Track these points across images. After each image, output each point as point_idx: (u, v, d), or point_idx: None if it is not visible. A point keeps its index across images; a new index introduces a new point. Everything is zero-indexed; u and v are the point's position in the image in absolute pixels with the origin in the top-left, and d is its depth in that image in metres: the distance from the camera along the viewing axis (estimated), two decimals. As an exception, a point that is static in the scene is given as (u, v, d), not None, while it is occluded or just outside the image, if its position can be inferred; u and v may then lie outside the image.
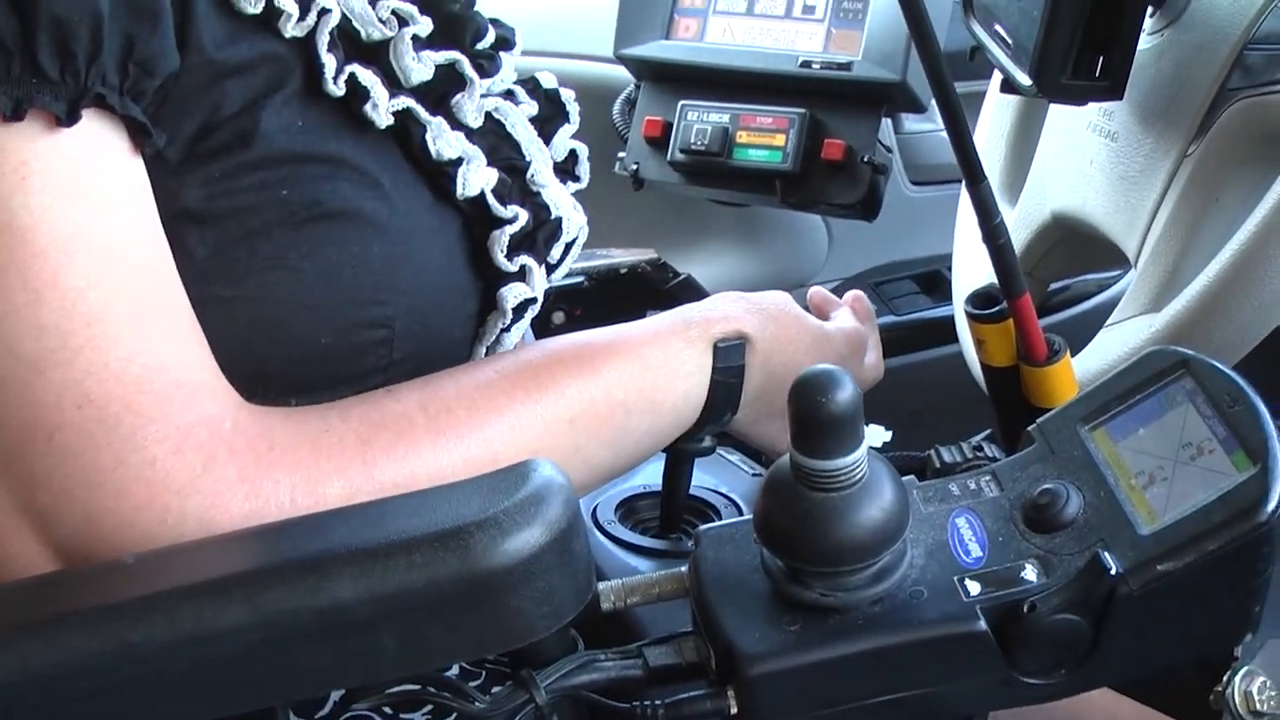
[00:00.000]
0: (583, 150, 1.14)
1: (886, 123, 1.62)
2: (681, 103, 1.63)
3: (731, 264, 2.24)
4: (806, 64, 1.58)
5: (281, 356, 0.91)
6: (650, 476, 1.20)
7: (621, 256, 1.55)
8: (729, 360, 1.06)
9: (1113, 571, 0.77)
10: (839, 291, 1.40)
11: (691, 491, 1.21)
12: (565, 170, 1.13)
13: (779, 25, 1.63)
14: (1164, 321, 1.22)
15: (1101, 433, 0.86)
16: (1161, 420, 0.84)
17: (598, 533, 1.17)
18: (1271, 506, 0.77)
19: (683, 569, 0.85)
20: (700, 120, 1.61)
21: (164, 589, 0.74)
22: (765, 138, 1.58)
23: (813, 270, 2.27)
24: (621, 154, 1.69)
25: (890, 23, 1.52)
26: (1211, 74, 1.26)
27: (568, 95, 1.14)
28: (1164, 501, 0.80)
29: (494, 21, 1.13)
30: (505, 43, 1.12)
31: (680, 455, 1.13)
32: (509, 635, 0.77)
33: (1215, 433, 0.81)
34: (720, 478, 1.25)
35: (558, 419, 0.97)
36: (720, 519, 1.19)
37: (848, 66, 1.56)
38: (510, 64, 1.11)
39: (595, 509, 1.20)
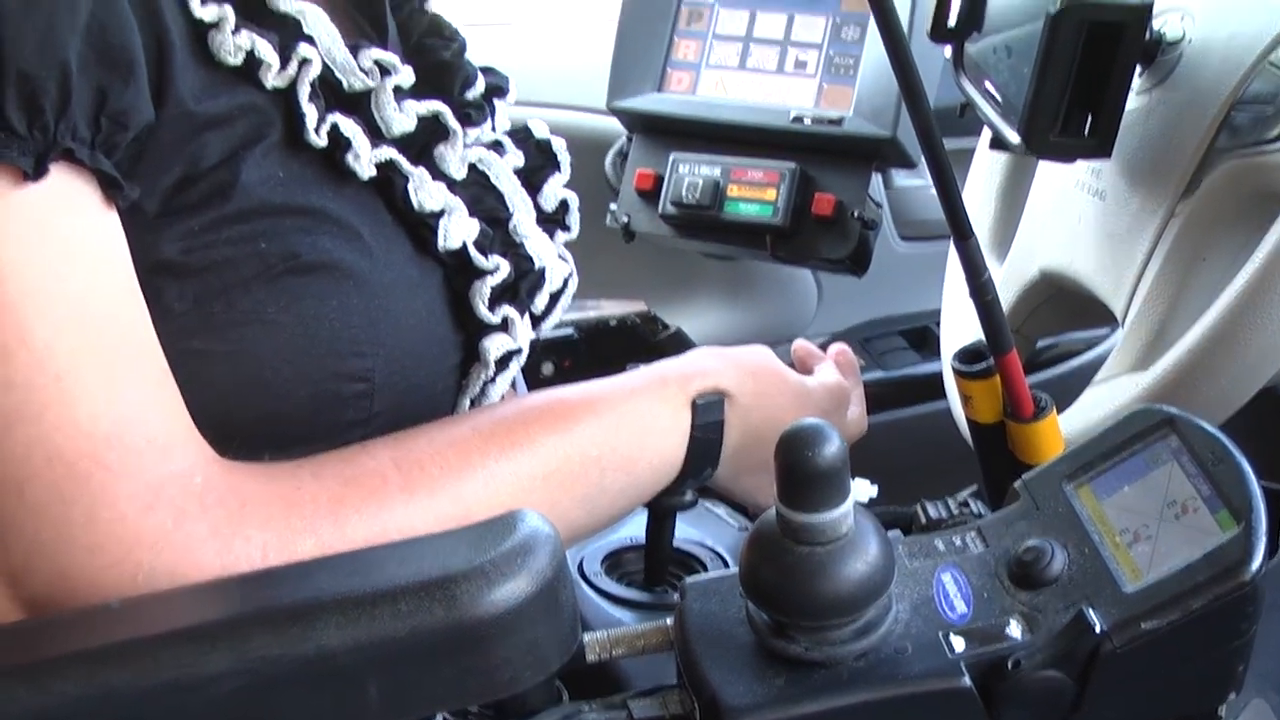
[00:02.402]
0: (573, 200, 1.14)
1: (877, 178, 1.63)
2: (673, 155, 1.64)
3: (721, 317, 2.24)
4: (798, 119, 1.59)
5: (260, 410, 0.91)
6: (637, 529, 1.20)
7: (611, 309, 1.56)
8: (708, 416, 1.06)
9: (1097, 629, 0.77)
10: (828, 346, 1.40)
11: (677, 544, 1.21)
12: (555, 220, 1.13)
13: (771, 80, 1.64)
14: (1150, 380, 1.22)
15: (1086, 490, 0.86)
16: (1146, 478, 0.84)
17: (584, 584, 1.17)
18: (1255, 566, 0.77)
19: (668, 621, 0.85)
20: (691, 173, 1.62)
21: (149, 634, 0.74)
22: (756, 192, 1.58)
23: (802, 324, 2.27)
24: (613, 206, 1.70)
25: (881, 79, 1.53)
26: (1199, 134, 1.27)
27: (559, 145, 1.15)
28: (1148, 559, 0.80)
29: (486, 70, 1.13)
30: (498, 90, 1.12)
31: (662, 510, 1.13)
32: (494, 685, 0.77)
33: (1200, 491, 0.81)
34: (706, 530, 1.25)
35: (532, 476, 0.97)
36: (706, 571, 1.19)
37: (839, 122, 1.57)
38: (503, 111, 1.12)
39: (581, 561, 1.20)
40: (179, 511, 0.82)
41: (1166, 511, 0.82)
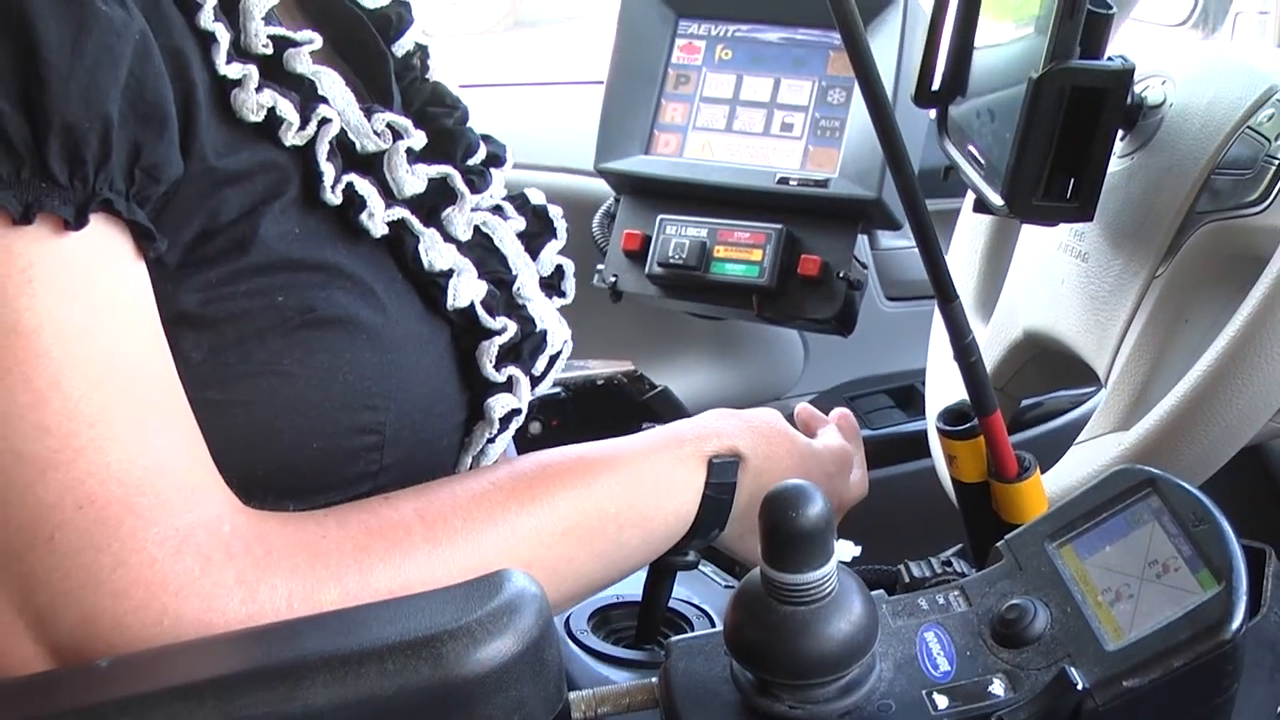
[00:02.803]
0: (569, 266, 1.16)
1: (862, 239, 1.64)
2: (660, 217, 1.65)
3: (708, 377, 2.25)
4: (784, 180, 1.60)
5: (272, 460, 0.92)
6: (623, 587, 1.20)
7: (599, 368, 1.56)
8: (722, 477, 1.07)
9: (1079, 687, 0.78)
10: (815, 405, 1.41)
11: (664, 602, 1.22)
12: (550, 285, 1.14)
13: (757, 142, 1.65)
14: (1133, 440, 1.23)
15: (1069, 549, 0.87)
16: (1128, 538, 0.85)
17: (570, 642, 1.17)
18: (1236, 625, 0.77)
19: (653, 679, 0.85)
20: (678, 234, 1.63)
21: (137, 693, 0.75)
22: (742, 252, 1.59)
23: (788, 384, 2.28)
24: (600, 266, 1.70)
25: (867, 141, 1.55)
26: (1180, 197, 1.28)
27: (555, 212, 1.16)
28: (1130, 618, 0.81)
29: (485, 138, 1.14)
30: (496, 159, 1.14)
31: (663, 569, 1.13)
32: (480, 744, 0.77)
33: (1181, 551, 0.82)
34: (693, 589, 1.25)
35: (551, 531, 0.97)
36: (692, 630, 1.19)
37: (824, 184, 1.58)
38: (500, 180, 1.13)
39: (568, 619, 1.20)
40: (206, 559, 0.83)
41: (1148, 571, 0.83)
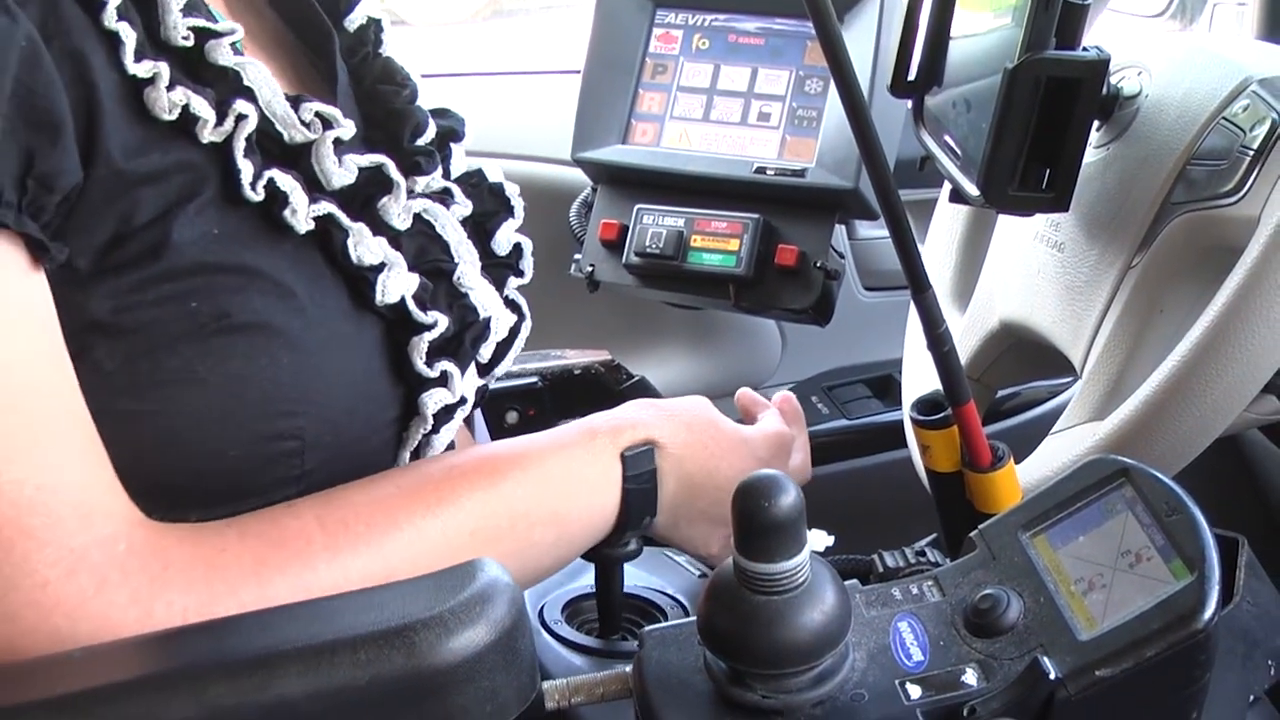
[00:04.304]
0: (527, 245, 1.14)
1: (840, 229, 1.64)
2: (637, 206, 1.65)
3: (685, 366, 2.25)
4: (761, 170, 1.60)
5: (189, 469, 0.91)
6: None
7: (576, 358, 1.56)
8: (638, 467, 1.07)
9: (1051, 676, 0.78)
10: (794, 395, 1.40)
11: (637, 592, 1.22)
12: (508, 265, 1.13)
13: (734, 132, 1.65)
14: (1107, 430, 1.23)
15: (1042, 539, 0.87)
16: (1101, 528, 0.85)
17: (544, 632, 1.17)
18: (1208, 614, 0.78)
19: (627, 669, 0.86)
20: (655, 224, 1.62)
21: (110, 683, 0.75)
22: (719, 242, 1.59)
23: (766, 373, 2.28)
24: (577, 256, 1.70)
25: (844, 131, 1.54)
26: (1155, 188, 1.29)
27: (512, 189, 1.15)
28: (1103, 608, 0.81)
29: (441, 112, 1.13)
30: (452, 134, 1.13)
31: (607, 561, 1.13)
32: (453, 733, 0.77)
33: (1154, 541, 0.82)
34: (666, 579, 1.25)
35: (459, 532, 0.97)
36: (665, 619, 1.19)
37: (801, 173, 1.58)
38: (459, 153, 1.12)
39: (542, 609, 1.20)
40: (100, 579, 0.82)
41: (1121, 560, 0.83)
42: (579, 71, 1.72)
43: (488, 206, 1.12)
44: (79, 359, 0.86)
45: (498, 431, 1.23)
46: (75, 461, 0.84)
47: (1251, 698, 0.91)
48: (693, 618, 0.83)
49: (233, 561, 0.87)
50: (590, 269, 1.68)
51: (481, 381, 1.08)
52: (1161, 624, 0.78)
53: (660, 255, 1.61)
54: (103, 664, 0.78)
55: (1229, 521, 0.92)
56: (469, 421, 1.24)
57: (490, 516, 0.99)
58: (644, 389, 1.55)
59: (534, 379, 1.51)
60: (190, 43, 0.93)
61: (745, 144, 1.64)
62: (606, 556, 1.11)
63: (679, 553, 1.31)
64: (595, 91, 1.70)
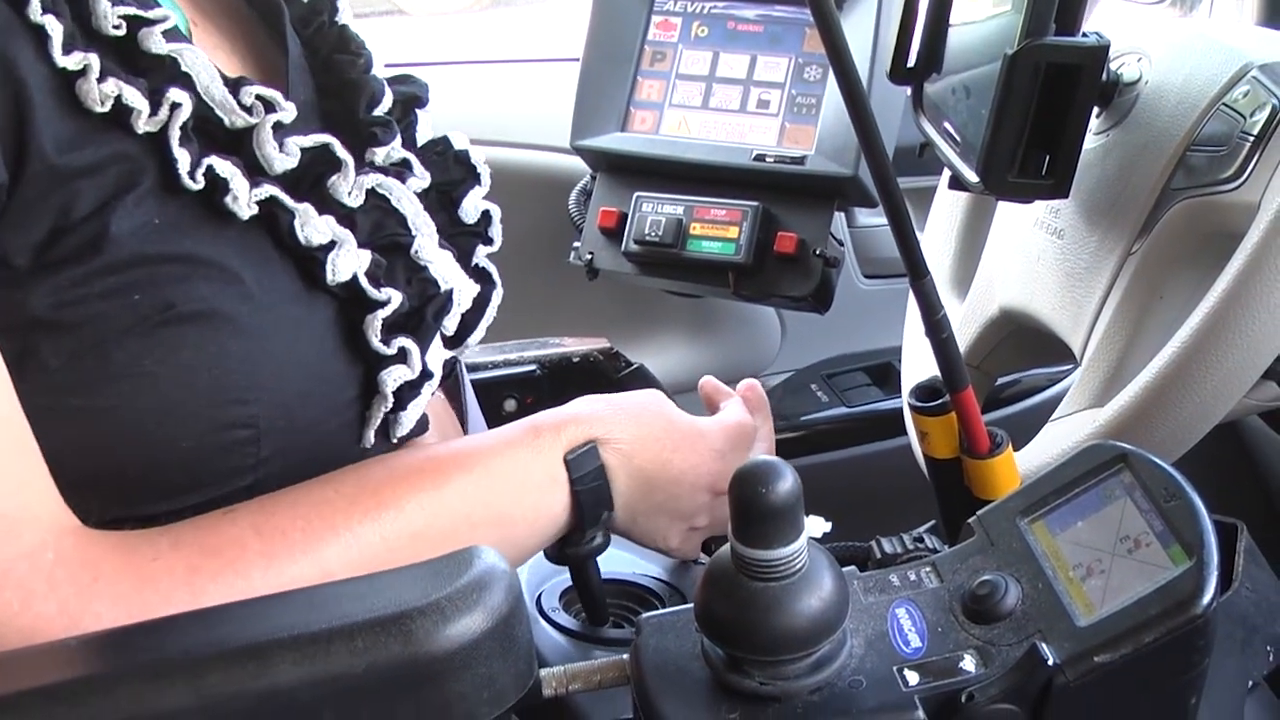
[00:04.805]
0: (495, 211, 1.13)
1: (839, 216, 1.64)
2: (636, 194, 1.65)
3: (684, 354, 2.25)
4: (760, 157, 1.60)
5: (142, 463, 0.90)
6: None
7: (574, 345, 1.56)
8: (582, 468, 1.06)
9: (1050, 662, 0.78)
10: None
11: (635, 579, 1.22)
12: (477, 233, 1.12)
13: (734, 119, 1.65)
14: (1107, 417, 1.23)
15: (1040, 525, 0.87)
16: (1100, 514, 0.85)
17: (541, 620, 1.17)
18: (1207, 600, 0.78)
19: (624, 656, 0.85)
20: (655, 211, 1.63)
21: (104, 671, 0.74)
22: (719, 230, 1.59)
23: (765, 361, 2.28)
24: (576, 243, 1.70)
25: (843, 118, 1.54)
26: (1155, 174, 1.28)
27: (478, 157, 1.13)
28: (1101, 594, 0.81)
29: (403, 79, 1.12)
30: (415, 100, 1.12)
31: (573, 560, 1.12)
32: (450, 720, 0.77)
33: (1152, 526, 0.82)
34: (664, 565, 1.25)
35: (399, 536, 0.96)
36: (663, 607, 1.19)
37: (801, 161, 1.58)
38: (425, 120, 1.11)
39: (540, 596, 1.20)
40: (28, 592, 0.81)
41: (1119, 546, 0.83)
42: (578, 59, 1.72)
43: (453, 175, 1.11)
44: (23, 358, 0.85)
45: (495, 420, 1.22)
46: (3, 472, 0.83)
47: (1250, 683, 0.91)
48: (689, 604, 0.83)
49: (165, 570, 0.86)
50: (589, 257, 1.68)
51: (451, 354, 1.07)
52: (1160, 609, 0.78)
53: (659, 243, 1.61)
54: (98, 652, 0.78)
55: (1228, 508, 0.92)
56: (460, 409, 1.23)
57: (433, 520, 0.98)
58: (643, 377, 1.54)
59: (532, 367, 1.51)
60: (123, 31, 0.91)
61: (744, 131, 1.64)
62: (573, 556, 1.10)
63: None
64: (594, 79, 1.70)
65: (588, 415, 1.08)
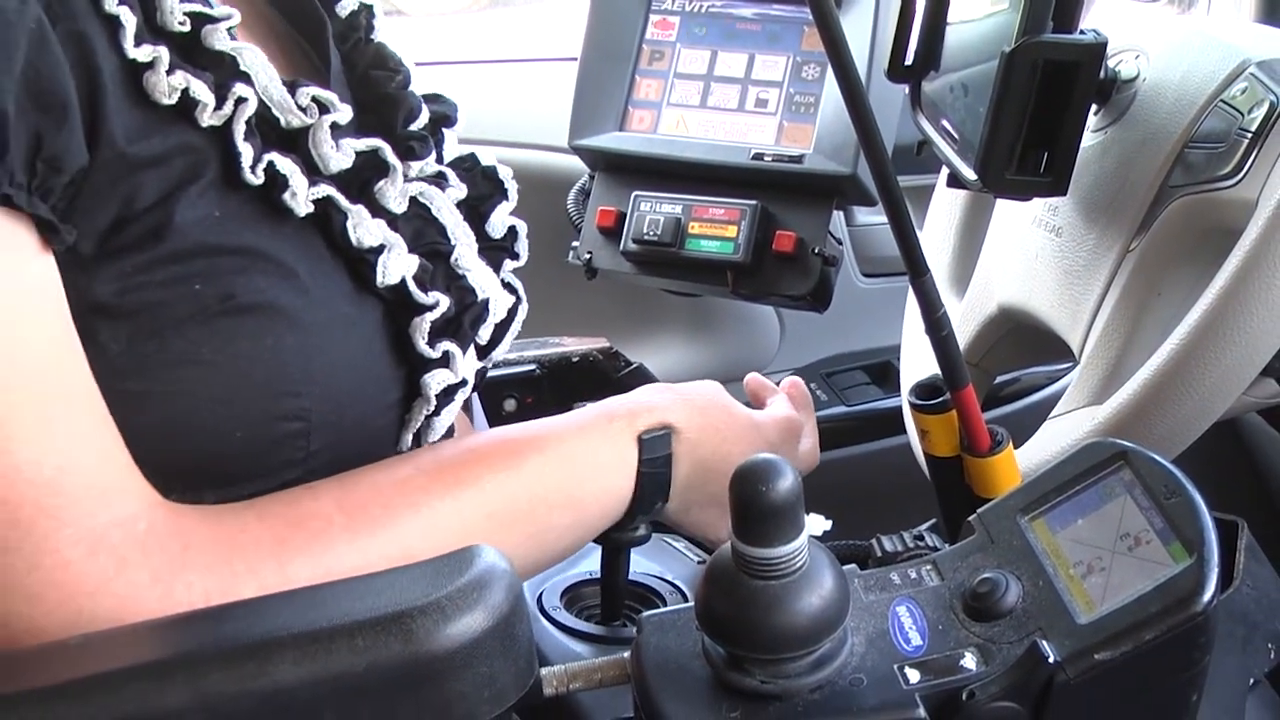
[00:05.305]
0: (522, 227, 1.14)
1: (838, 215, 1.64)
2: (635, 193, 1.64)
3: (684, 354, 2.25)
4: (758, 156, 1.60)
5: (195, 450, 0.90)
6: (595, 564, 1.20)
7: (574, 345, 1.56)
8: (654, 451, 1.07)
9: (1050, 660, 0.78)
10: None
11: (636, 578, 1.22)
12: (503, 248, 1.13)
13: (732, 118, 1.65)
14: (1106, 414, 1.23)
15: (1041, 523, 0.87)
16: (1100, 511, 0.85)
17: (543, 619, 1.17)
18: (1207, 597, 0.77)
19: (625, 655, 0.85)
20: (653, 211, 1.62)
21: (106, 670, 0.74)
22: (717, 229, 1.59)
23: (764, 360, 2.28)
24: (575, 243, 1.70)
25: (841, 117, 1.54)
26: (1153, 171, 1.28)
27: (505, 172, 1.15)
28: (1101, 591, 0.81)
29: (434, 98, 1.13)
30: (445, 119, 1.13)
31: (615, 545, 1.13)
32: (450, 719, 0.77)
33: (1153, 524, 0.82)
34: (665, 564, 1.25)
35: (477, 515, 0.97)
36: (664, 605, 1.19)
37: (799, 159, 1.58)
38: (453, 139, 1.12)
39: (541, 595, 1.20)
40: (121, 558, 0.82)
41: (1120, 544, 0.83)
42: (576, 59, 1.72)
43: (481, 190, 1.12)
44: (84, 342, 0.86)
45: (495, 419, 1.23)
46: (91, 441, 0.84)
47: (1252, 681, 0.91)
48: (691, 603, 0.83)
49: (253, 542, 0.88)
50: (588, 256, 1.68)
51: (480, 364, 1.08)
52: (1161, 607, 0.78)
53: (658, 242, 1.61)
54: (100, 651, 0.78)
55: (1229, 505, 0.92)
56: (468, 408, 1.24)
57: (508, 499, 0.99)
58: (642, 376, 1.55)
59: (532, 366, 1.51)
60: (187, 28, 0.93)
61: (743, 130, 1.64)
62: (615, 541, 1.10)
63: (677, 539, 1.31)
64: (592, 78, 1.70)
65: (659, 403, 1.10)
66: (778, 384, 1.36)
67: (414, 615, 0.74)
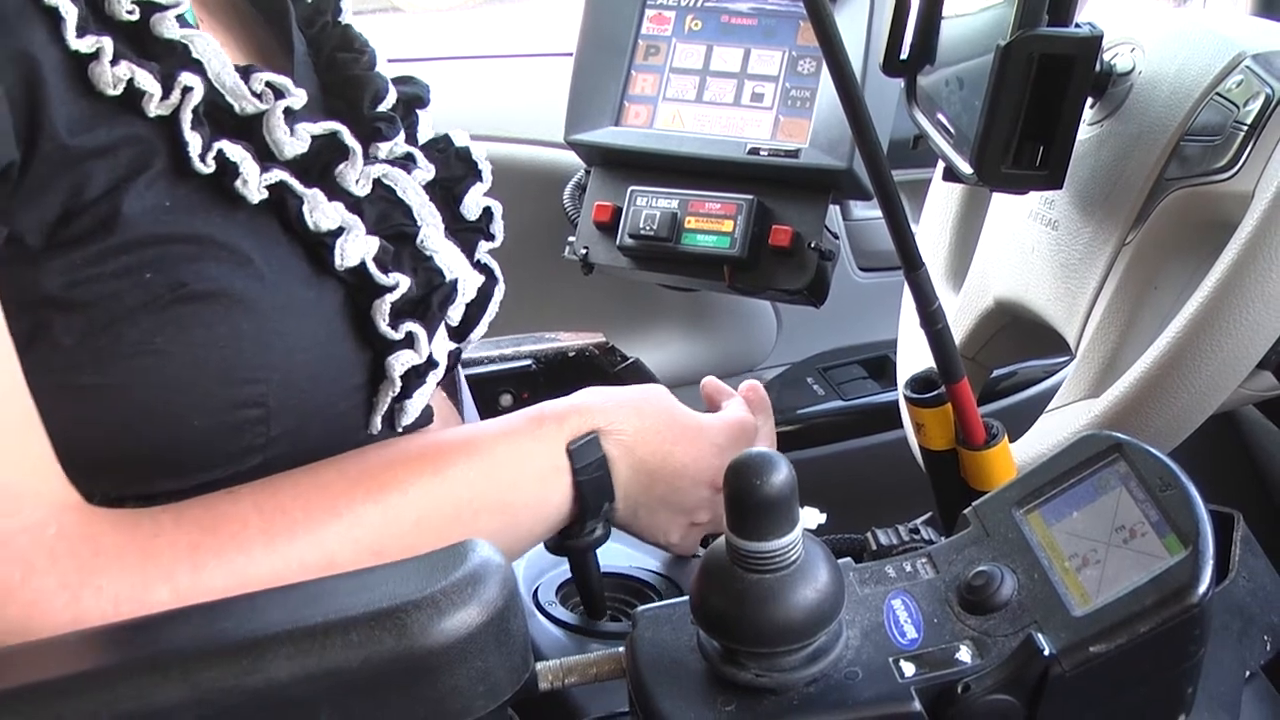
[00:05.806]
0: (497, 208, 1.14)
1: (834, 209, 1.65)
2: (631, 188, 1.65)
3: (680, 348, 2.25)
4: (755, 151, 1.60)
5: (154, 441, 0.90)
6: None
7: (570, 340, 1.56)
8: (584, 458, 1.06)
9: (1046, 652, 0.78)
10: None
11: (631, 573, 1.21)
12: (479, 229, 1.13)
13: (728, 113, 1.65)
14: (1103, 407, 1.23)
15: (1036, 516, 0.86)
16: (1095, 504, 0.85)
17: (537, 614, 1.17)
18: (1203, 589, 0.77)
19: (620, 649, 0.85)
20: (649, 205, 1.62)
21: (101, 665, 0.74)
22: (713, 223, 1.59)
23: (761, 355, 2.28)
24: (571, 238, 1.70)
25: (837, 111, 1.54)
26: (1149, 164, 1.28)
27: (479, 153, 1.14)
28: (1097, 584, 0.81)
29: (405, 79, 1.13)
30: (417, 100, 1.12)
31: (573, 552, 1.12)
32: (445, 715, 0.77)
33: (1148, 516, 0.82)
34: (660, 558, 1.25)
35: (400, 520, 0.96)
36: (660, 599, 1.19)
37: (795, 154, 1.58)
38: (426, 120, 1.11)
39: (536, 590, 1.20)
40: (28, 565, 0.81)
41: (1115, 536, 0.83)
42: (572, 54, 1.72)
43: (455, 171, 1.12)
44: (36, 336, 0.85)
45: (490, 414, 1.22)
46: (6, 447, 0.83)
47: (1247, 673, 0.91)
48: (685, 597, 0.83)
49: (166, 546, 0.87)
50: (584, 251, 1.68)
51: (454, 345, 1.08)
52: (1156, 599, 0.78)
53: (654, 237, 1.61)
54: (95, 646, 0.78)
55: (1224, 497, 0.92)
56: (457, 402, 1.23)
57: (435, 504, 0.98)
58: (638, 371, 1.54)
59: (528, 362, 1.51)
60: (135, 17, 0.92)
61: (738, 125, 1.64)
62: (572, 548, 1.10)
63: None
64: (588, 74, 1.70)
65: (591, 406, 1.09)
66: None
67: (408, 610, 0.74)
